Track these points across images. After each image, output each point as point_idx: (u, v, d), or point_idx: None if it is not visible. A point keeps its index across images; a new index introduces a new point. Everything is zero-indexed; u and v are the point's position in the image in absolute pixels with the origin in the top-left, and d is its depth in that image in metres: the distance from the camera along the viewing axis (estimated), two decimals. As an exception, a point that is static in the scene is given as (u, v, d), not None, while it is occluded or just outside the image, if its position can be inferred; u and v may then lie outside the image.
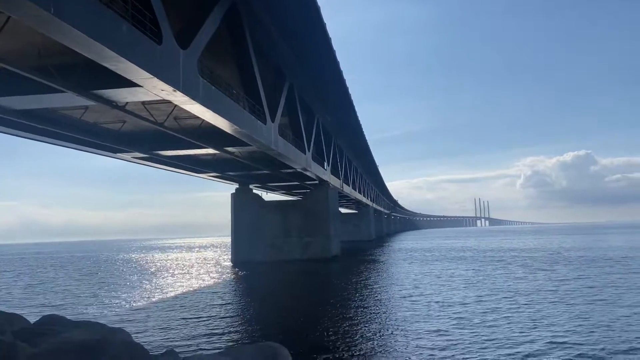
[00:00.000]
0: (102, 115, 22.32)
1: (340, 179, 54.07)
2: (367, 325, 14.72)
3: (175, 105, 18.11)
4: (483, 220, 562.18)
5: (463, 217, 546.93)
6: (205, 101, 16.92)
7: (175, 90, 14.72)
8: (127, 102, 18.39)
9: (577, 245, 57.14)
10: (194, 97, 15.99)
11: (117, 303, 21.46)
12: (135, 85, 14.11)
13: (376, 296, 20.67)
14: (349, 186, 62.77)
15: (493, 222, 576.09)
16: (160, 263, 53.31)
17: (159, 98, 15.42)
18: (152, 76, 13.27)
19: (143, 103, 20.38)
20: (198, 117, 19.32)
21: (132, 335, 5.98)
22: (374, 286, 24.05)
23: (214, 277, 32.34)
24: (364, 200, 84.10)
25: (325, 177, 44.21)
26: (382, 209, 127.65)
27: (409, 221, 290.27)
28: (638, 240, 64.13)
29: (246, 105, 23.00)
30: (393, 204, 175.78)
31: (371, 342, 12.52)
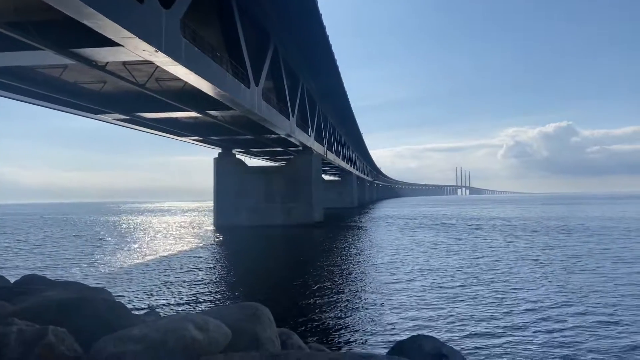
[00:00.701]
0: (82, 74, 21.87)
1: (324, 146, 54.04)
2: (347, 288, 15.03)
3: (157, 67, 17.83)
4: (464, 189, 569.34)
5: (444, 185, 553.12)
6: (188, 63, 16.66)
7: (157, 51, 14.46)
8: (107, 62, 18.04)
9: (556, 215, 58.35)
10: (177, 58, 15.73)
11: (98, 265, 21.49)
12: (116, 44, 13.84)
13: (357, 261, 21.02)
14: (333, 153, 62.82)
15: (473, 191, 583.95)
16: (142, 226, 53.21)
17: (140, 59, 15.14)
18: (133, 36, 13.01)
19: (124, 63, 20.00)
20: (180, 79, 19.06)
21: (114, 295, 6.06)
22: (355, 252, 24.42)
23: (195, 241, 32.48)
24: (347, 167, 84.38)
25: (309, 144, 44.16)
26: (365, 177, 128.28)
27: (392, 189, 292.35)
28: (615, 212, 65.67)
29: (229, 68, 22.71)
30: (376, 172, 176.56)
31: (351, 305, 12.81)
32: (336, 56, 37.90)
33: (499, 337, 9.85)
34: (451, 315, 11.57)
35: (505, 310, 12.00)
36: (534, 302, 12.84)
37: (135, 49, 14.10)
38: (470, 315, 11.50)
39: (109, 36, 12.96)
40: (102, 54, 15.46)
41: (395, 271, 17.95)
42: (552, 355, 8.80)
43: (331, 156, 60.80)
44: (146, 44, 13.77)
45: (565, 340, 9.63)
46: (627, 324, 10.69)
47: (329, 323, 11.18)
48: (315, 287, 15.18)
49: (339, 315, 11.86)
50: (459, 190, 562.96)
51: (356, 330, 10.52)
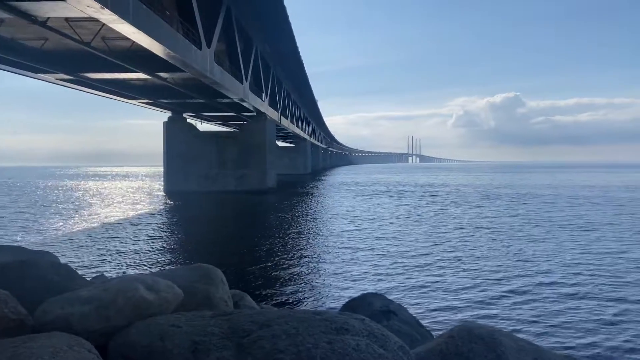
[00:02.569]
0: (20, 30, 20.65)
1: (278, 112, 53.60)
2: (300, 253, 15.24)
3: (103, 24, 17.02)
4: (414, 157, 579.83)
5: (396, 153, 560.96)
6: (136, 21, 15.99)
7: (103, 7, 13.78)
8: (48, 18, 17.07)
9: (503, 183, 60.55)
10: (124, 16, 15.07)
11: (43, 230, 20.83)
12: (57, -2, 13.10)
13: (310, 228, 21.27)
14: (287, 119, 62.45)
15: (424, 159, 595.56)
16: (89, 191, 51.73)
17: (85, 15, 14.40)
18: (76, -11, 12.33)
19: (67, 19, 19.00)
20: (128, 39, 18.31)
21: (60, 259, 5.91)
22: (308, 218, 24.68)
23: (145, 207, 31.91)
24: (302, 134, 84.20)
25: (262, 109, 43.69)
26: (319, 144, 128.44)
27: (345, 156, 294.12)
28: (557, 180, 68.74)
29: (180, 28, 21.97)
30: (330, 138, 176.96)
31: (303, 269, 13.03)
32: (294, 20, 37.43)
33: (445, 296, 10.30)
34: (403, 277, 11.94)
35: (456, 274, 12.50)
36: (484, 267, 13.41)
37: (79, 4, 13.38)
38: (421, 279, 11.91)
39: (49, -11, 12.24)
40: (43, 9, 14.60)
41: (348, 238, 18.26)
42: (492, 310, 9.29)
43: (285, 122, 60.41)
44: (91, -1, 13.10)
45: (502, 297, 10.19)
46: (571, 285, 11.35)
47: (282, 286, 11.38)
48: (267, 252, 15.32)
49: (292, 278, 12.06)
50: (409, 158, 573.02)
51: (309, 292, 10.75)
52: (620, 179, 69.09)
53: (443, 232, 19.12)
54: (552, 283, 11.36)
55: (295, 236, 18.60)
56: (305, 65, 55.45)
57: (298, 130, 77.58)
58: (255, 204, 34.74)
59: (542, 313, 9.16)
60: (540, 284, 11.34)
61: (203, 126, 54.42)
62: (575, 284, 11.36)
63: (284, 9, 33.91)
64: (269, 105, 47.82)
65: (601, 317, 8.97)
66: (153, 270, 12.52)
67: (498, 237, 18.17)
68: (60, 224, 23.26)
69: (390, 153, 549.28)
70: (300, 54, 49.10)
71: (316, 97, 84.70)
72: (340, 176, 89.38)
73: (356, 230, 19.97)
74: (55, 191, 52.74)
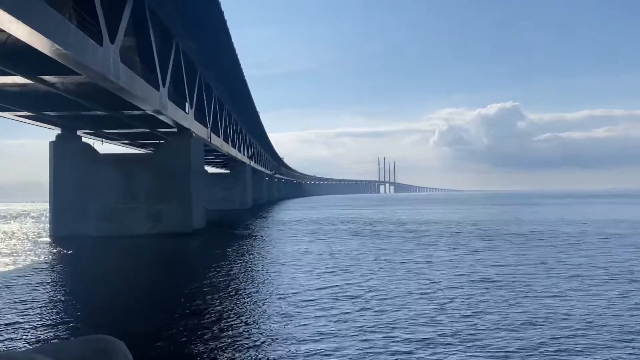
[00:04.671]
0: None
1: (207, 128, 53.72)
2: (228, 321, 14.95)
3: (-35, 10, 16.58)
4: (387, 185, 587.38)
5: (364, 181, 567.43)
6: (11, 7, 15.70)
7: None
8: None
9: (508, 218, 61.86)
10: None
11: None
12: None
13: (245, 285, 20.94)
14: (220, 137, 62.65)
15: (400, 187, 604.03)
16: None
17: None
18: None
19: None
20: (2, 30, 17.94)
21: None
22: (244, 272, 24.33)
23: (22, 260, 30.77)
24: (239, 156, 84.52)
25: (186, 124, 43.56)
26: (262, 169, 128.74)
27: (298, 185, 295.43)
28: (576, 213, 70.82)
29: (74, 17, 21.74)
30: (277, 162, 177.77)
31: (227, 345, 12.76)
32: (227, 9, 37.56)
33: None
34: None
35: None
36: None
37: None
38: None
39: None
40: None
41: (299, 304, 17.99)
42: None
43: (217, 141, 60.63)
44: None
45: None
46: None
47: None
48: (184, 320, 15.05)
49: (214, 351, 11.85)
50: (382, 187, 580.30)
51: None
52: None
53: (441, 294, 18.85)
54: None
55: (226, 298, 18.25)
56: (243, 68, 55.88)
57: (234, 152, 77.64)
58: (176, 251, 34.46)
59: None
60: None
61: (105, 147, 53.65)
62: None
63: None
64: (195, 119, 47.76)
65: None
66: (32, 346, 12.00)
67: (523, 300, 18.19)
68: None
69: (357, 181, 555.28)
70: (237, 52, 49.50)
71: (259, 109, 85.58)
72: (291, 211, 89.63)
73: (313, 289, 19.75)
74: None
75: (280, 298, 17.93)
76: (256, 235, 43.39)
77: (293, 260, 27.50)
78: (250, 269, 25.38)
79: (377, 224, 55.21)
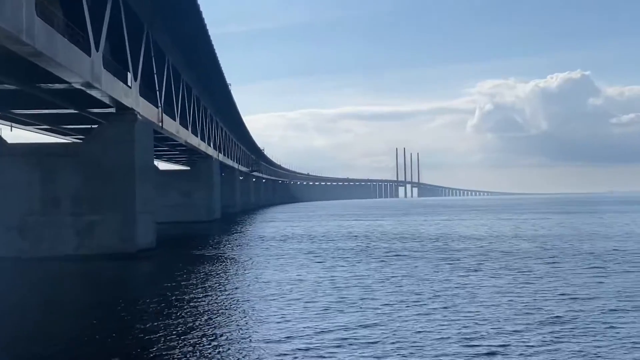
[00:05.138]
0: None
1: (158, 107, 53.70)
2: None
3: None
4: (409, 187, 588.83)
5: (377, 180, 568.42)
6: None
7: None
8: None
9: (583, 231, 61.47)
10: None
11: None
12: None
13: (210, 332, 20.28)
14: (176, 121, 62.47)
15: (425, 190, 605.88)
16: None
17: None
18: None
19: None
20: None
21: None
22: (212, 315, 23.69)
23: None
24: (203, 147, 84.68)
25: (128, 102, 43.37)
26: (235, 165, 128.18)
27: (285, 187, 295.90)
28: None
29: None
30: (256, 155, 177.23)
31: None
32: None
33: None
34: None
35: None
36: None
37: None
38: None
39: None
40: None
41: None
42: None
43: (172, 126, 60.27)
44: None
45: None
46: None
47: None
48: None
49: None
50: (401, 189, 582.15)
51: None
52: None
53: (493, 341, 17.91)
54: None
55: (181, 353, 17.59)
56: (208, 22, 55.49)
57: (196, 141, 77.50)
58: (110, 283, 33.97)
59: None
60: None
61: (15, 134, 53.05)
62: None
63: None
64: (141, 96, 47.35)
65: None
66: None
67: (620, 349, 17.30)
68: None
69: (367, 181, 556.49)
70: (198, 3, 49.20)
71: (231, 81, 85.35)
72: (276, 223, 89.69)
73: (312, 333, 19.03)
74: None
75: (267, 342, 17.63)
76: (228, 258, 42.83)
77: (281, 292, 27.26)
78: (223, 306, 24.78)
79: (395, 241, 54.81)
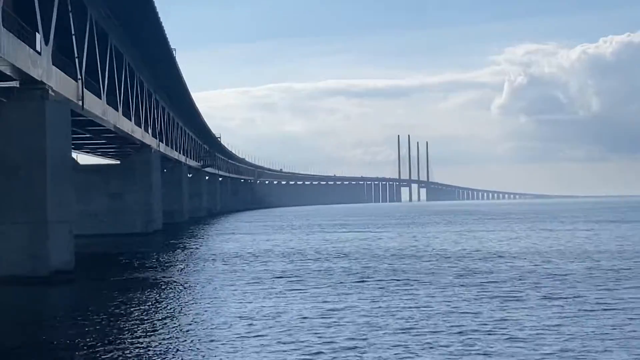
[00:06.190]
0: None
1: (78, 80, 53.41)
2: None
3: None
4: (415, 187, 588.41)
5: (373, 179, 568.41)
6: None
7: None
8: None
9: None
10: None
11: None
12: None
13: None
14: (101, 99, 62.34)
15: (436, 191, 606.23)
16: None
17: None
18: None
19: None
20: None
21: None
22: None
23: None
24: (138, 134, 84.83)
25: (36, 73, 43.42)
26: (182, 158, 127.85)
27: (249, 187, 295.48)
28: None
29: None
30: (210, 145, 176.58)
31: None
32: None
33: None
34: None
35: None
36: None
37: None
38: None
39: None
40: None
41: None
42: None
43: (96, 105, 59.95)
44: None
45: None
46: None
47: None
48: None
49: None
50: (404, 191, 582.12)
51: None
52: None
53: None
54: None
55: None
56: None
57: (128, 125, 77.53)
58: (15, 316, 33.67)
59: None
60: None
61: None
62: None
63: None
64: (55, 65, 46.85)
65: None
66: None
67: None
68: None
69: (361, 179, 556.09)
70: None
71: (176, 44, 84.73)
72: (240, 236, 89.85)
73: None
74: None
75: None
76: (172, 284, 42.79)
77: (245, 333, 26.94)
78: (171, 350, 24.65)
79: (399, 259, 54.93)
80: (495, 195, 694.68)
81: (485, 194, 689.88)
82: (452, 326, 26.79)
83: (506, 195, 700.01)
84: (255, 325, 28.18)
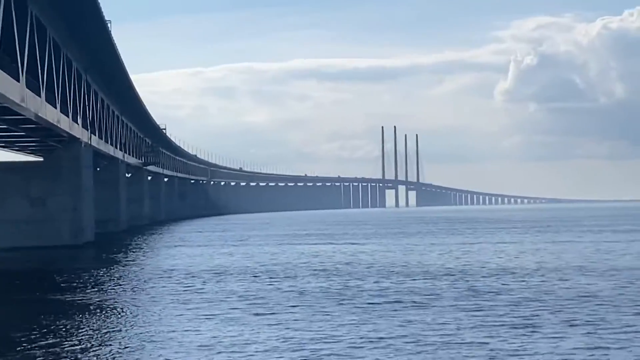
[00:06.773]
0: None
1: None
2: None
3: None
4: (403, 189, 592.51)
5: (352, 180, 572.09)
6: None
7: None
8: None
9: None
10: None
11: None
12: None
13: None
14: (20, 81, 61.87)
15: (427, 194, 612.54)
16: None
17: None
18: None
19: None
20: None
21: None
22: None
23: None
24: (65, 124, 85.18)
25: None
26: (119, 154, 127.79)
27: (202, 189, 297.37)
28: None
29: None
30: (153, 139, 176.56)
31: None
32: None
33: None
34: None
35: None
36: None
37: None
38: None
39: None
40: None
41: None
42: None
43: (12, 88, 59.55)
44: None
45: None
46: None
47: None
48: None
49: None
50: (390, 194, 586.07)
51: None
52: None
53: None
54: None
55: None
56: None
57: (53, 114, 78.13)
58: None
59: None
60: None
61: None
62: None
63: None
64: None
65: None
66: None
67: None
68: None
69: (337, 179, 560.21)
70: None
71: (109, 17, 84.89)
72: (190, 249, 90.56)
73: None
74: None
75: None
76: (109, 308, 42.12)
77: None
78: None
79: (386, 277, 54.97)
80: (500, 199, 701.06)
81: (487, 198, 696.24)
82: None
83: (512, 200, 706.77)
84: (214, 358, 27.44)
